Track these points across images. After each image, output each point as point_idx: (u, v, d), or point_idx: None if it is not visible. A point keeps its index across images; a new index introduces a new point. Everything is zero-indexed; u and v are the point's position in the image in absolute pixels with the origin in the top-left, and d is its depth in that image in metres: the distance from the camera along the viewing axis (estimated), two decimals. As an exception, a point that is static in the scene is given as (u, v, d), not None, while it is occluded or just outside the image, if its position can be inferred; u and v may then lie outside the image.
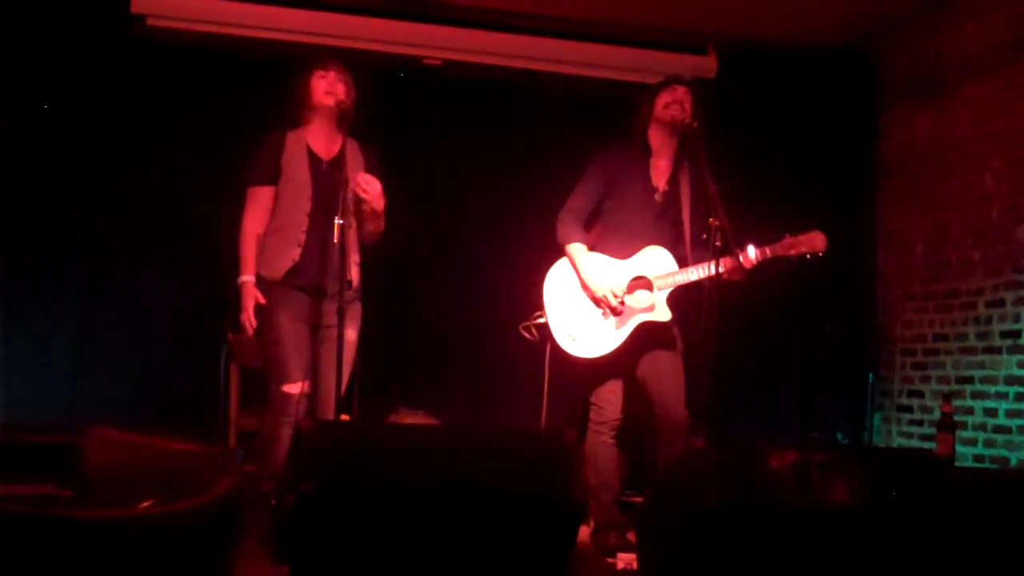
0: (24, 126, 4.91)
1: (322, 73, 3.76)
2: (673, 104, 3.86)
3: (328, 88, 3.73)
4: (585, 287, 3.87)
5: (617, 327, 3.84)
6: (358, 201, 3.71)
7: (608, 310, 3.84)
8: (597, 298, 3.84)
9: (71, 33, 5.04)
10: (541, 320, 3.96)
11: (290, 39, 5.18)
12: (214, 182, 4.75)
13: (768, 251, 3.78)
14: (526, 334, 4.03)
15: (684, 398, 3.81)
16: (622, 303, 3.83)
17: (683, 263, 3.84)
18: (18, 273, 4.92)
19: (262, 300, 3.67)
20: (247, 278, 3.71)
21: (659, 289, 3.83)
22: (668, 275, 3.82)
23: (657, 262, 3.85)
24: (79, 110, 5.03)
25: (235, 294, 3.74)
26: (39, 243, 5.00)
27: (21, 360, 4.88)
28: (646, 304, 3.83)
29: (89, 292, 5.06)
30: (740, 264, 3.68)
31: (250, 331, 3.71)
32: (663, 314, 3.81)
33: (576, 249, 3.90)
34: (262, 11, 5.21)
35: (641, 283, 3.86)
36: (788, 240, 3.79)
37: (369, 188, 3.69)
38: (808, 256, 3.78)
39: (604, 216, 3.97)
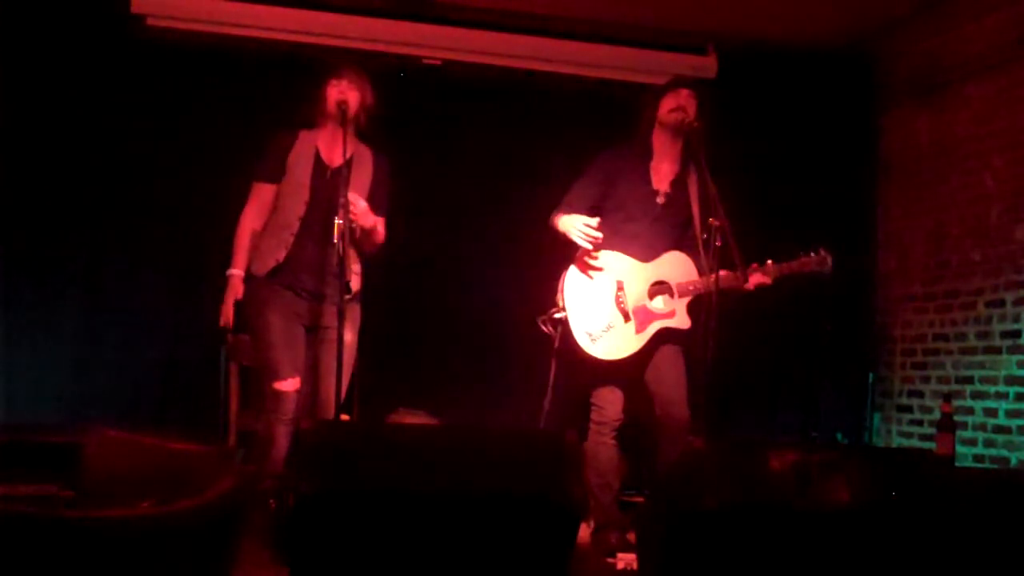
0: (24, 127, 4.91)
1: (336, 81, 3.76)
2: (677, 109, 3.85)
3: (338, 96, 3.73)
4: (564, 236, 3.82)
5: (637, 332, 3.81)
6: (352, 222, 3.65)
7: (584, 239, 3.76)
8: (568, 231, 3.77)
9: (71, 33, 5.04)
10: (558, 315, 3.90)
11: (290, 39, 5.19)
12: (214, 181, 4.75)
13: (785, 268, 3.90)
14: (544, 327, 3.97)
15: (687, 398, 3.81)
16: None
17: (699, 266, 3.84)
18: (18, 273, 4.92)
19: (239, 296, 3.71)
20: (234, 272, 3.75)
21: (680, 296, 3.82)
22: (690, 283, 3.82)
23: (678, 268, 3.84)
24: (79, 110, 5.03)
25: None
26: (39, 243, 5.00)
27: (21, 360, 4.88)
28: (667, 310, 3.82)
29: (89, 292, 5.07)
30: (760, 279, 3.81)
31: (226, 323, 3.75)
32: (683, 322, 3.81)
33: (561, 217, 3.84)
34: (262, 11, 5.21)
35: (662, 288, 3.84)
36: (801, 259, 3.93)
37: (356, 209, 3.61)
38: (817, 274, 3.94)
39: (604, 217, 3.96)
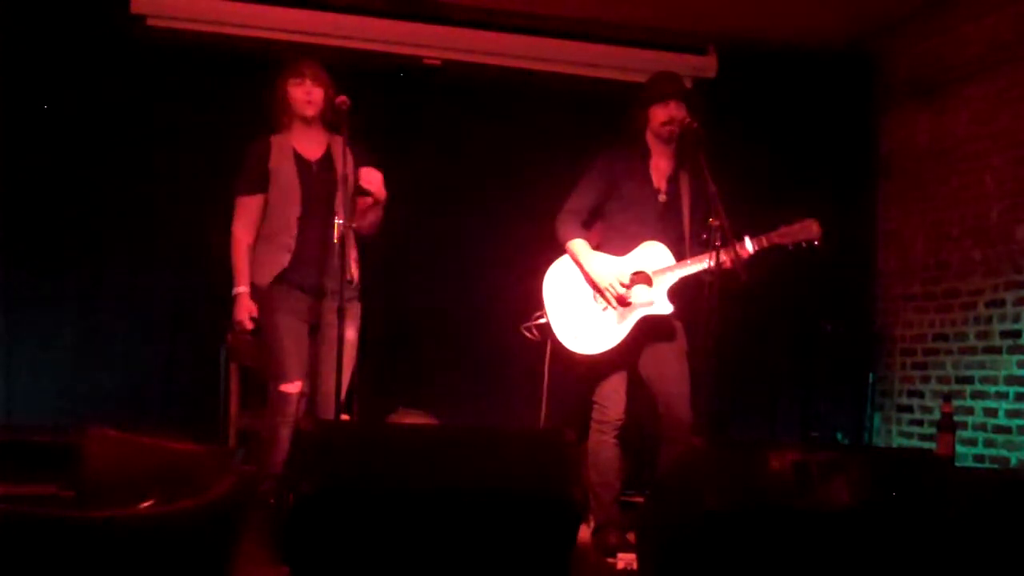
0: (24, 127, 4.91)
1: (297, 81, 3.74)
2: (669, 122, 3.85)
3: (306, 97, 3.72)
4: (589, 280, 3.87)
5: (618, 322, 3.84)
6: (361, 193, 3.71)
7: (614, 301, 3.83)
8: (602, 289, 3.83)
9: (71, 33, 5.04)
10: (542, 320, 3.96)
11: (290, 39, 5.18)
12: (214, 182, 4.73)
13: (764, 240, 3.80)
14: (528, 334, 4.02)
15: (689, 398, 3.81)
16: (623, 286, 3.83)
17: (682, 259, 3.84)
18: (19, 273, 4.92)
19: (255, 312, 3.68)
20: (242, 289, 3.72)
21: (658, 283, 3.83)
22: (667, 269, 3.83)
23: (655, 256, 3.85)
24: (79, 110, 5.04)
25: (231, 304, 3.75)
26: (40, 243, 5.00)
27: (21, 360, 4.88)
28: (646, 299, 3.83)
29: (89, 292, 5.07)
30: (738, 255, 3.69)
31: (247, 334, 3.75)
32: (664, 308, 3.82)
33: (578, 245, 3.90)
34: (262, 11, 5.21)
35: (640, 278, 3.86)
36: (784, 229, 3.81)
37: (373, 180, 3.70)
38: (805, 245, 3.80)
39: (607, 218, 3.97)
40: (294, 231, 3.71)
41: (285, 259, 3.70)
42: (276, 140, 3.79)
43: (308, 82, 3.73)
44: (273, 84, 3.79)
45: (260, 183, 3.77)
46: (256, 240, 3.77)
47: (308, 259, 3.71)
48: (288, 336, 3.66)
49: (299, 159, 3.77)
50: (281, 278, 3.70)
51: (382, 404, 4.78)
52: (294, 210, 3.72)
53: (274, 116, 3.80)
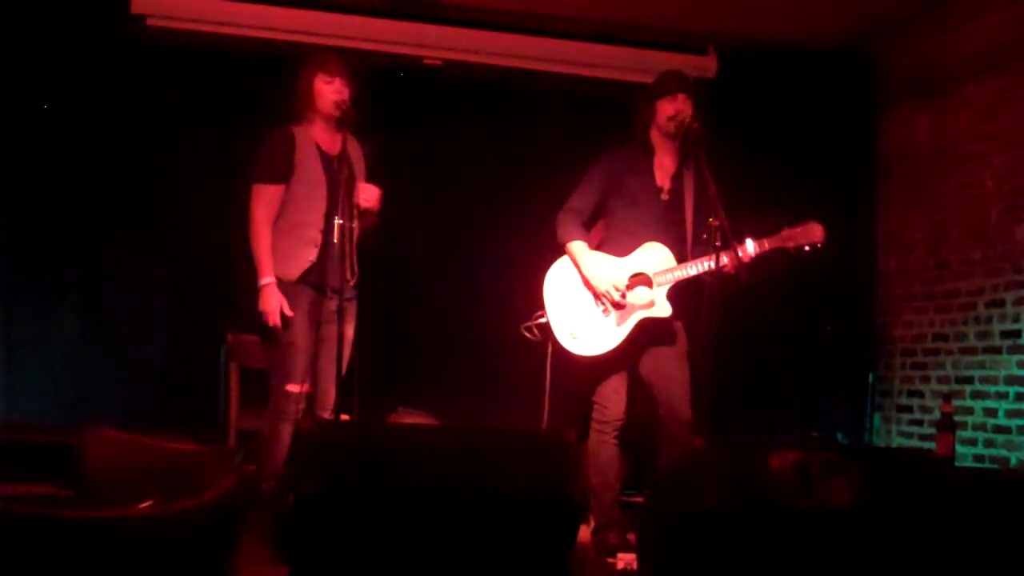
0: (24, 126, 4.92)
1: (327, 79, 3.73)
2: (675, 116, 3.85)
3: (336, 96, 3.71)
4: (587, 283, 3.87)
5: (618, 324, 3.84)
6: (359, 208, 3.74)
7: (611, 305, 3.84)
8: (599, 293, 3.84)
9: (71, 33, 5.04)
10: (542, 320, 3.95)
11: (290, 39, 5.18)
12: (214, 182, 4.75)
13: (766, 243, 3.80)
14: (527, 335, 4.02)
15: (689, 398, 3.81)
16: (623, 297, 3.83)
17: (684, 260, 3.84)
18: (18, 273, 4.92)
19: (288, 311, 3.61)
20: (270, 280, 3.63)
21: (659, 285, 3.83)
22: (667, 271, 3.83)
23: (656, 258, 3.86)
24: (79, 110, 5.04)
25: (251, 295, 3.68)
26: (39, 243, 5.00)
27: (21, 360, 4.89)
28: (646, 300, 3.83)
29: (89, 292, 5.07)
30: (739, 258, 3.68)
31: (274, 324, 3.65)
32: (663, 310, 3.82)
33: (577, 247, 3.90)
34: (262, 11, 5.21)
35: (640, 279, 3.86)
36: (786, 232, 3.80)
37: (371, 198, 3.73)
38: (807, 248, 3.78)
39: (609, 216, 3.97)
40: (321, 225, 3.68)
41: (312, 253, 3.67)
42: (299, 131, 3.76)
43: (339, 81, 3.73)
44: (297, 76, 3.77)
45: (284, 173, 3.70)
46: (275, 232, 3.69)
47: (329, 256, 3.68)
48: (303, 336, 3.65)
49: (323, 154, 3.76)
50: (307, 274, 3.68)
51: (382, 404, 4.79)
52: (321, 205, 3.69)
53: (295, 108, 3.78)
